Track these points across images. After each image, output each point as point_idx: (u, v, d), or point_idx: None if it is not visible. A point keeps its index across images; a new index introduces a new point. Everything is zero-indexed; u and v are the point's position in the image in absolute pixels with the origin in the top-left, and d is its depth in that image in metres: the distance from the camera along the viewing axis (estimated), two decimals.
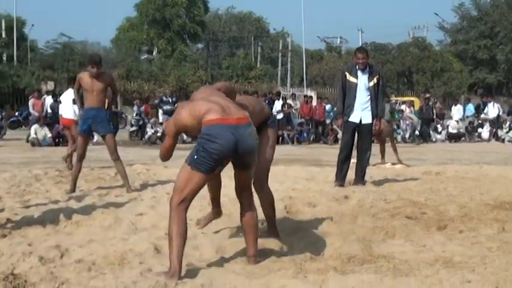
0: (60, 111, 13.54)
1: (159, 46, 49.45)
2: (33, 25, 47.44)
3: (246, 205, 4.74)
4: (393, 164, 12.89)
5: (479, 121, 27.09)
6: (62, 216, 6.43)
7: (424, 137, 25.04)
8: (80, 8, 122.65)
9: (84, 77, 8.65)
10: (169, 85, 32.76)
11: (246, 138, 4.43)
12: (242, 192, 4.75)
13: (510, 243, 5.29)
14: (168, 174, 10.81)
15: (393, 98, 31.60)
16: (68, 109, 12.78)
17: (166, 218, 6.30)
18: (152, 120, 22.48)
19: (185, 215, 4.45)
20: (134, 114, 23.31)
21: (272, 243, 5.18)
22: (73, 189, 8.58)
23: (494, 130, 26.22)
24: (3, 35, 42.90)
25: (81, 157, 8.70)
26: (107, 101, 9.10)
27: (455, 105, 29.14)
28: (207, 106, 4.52)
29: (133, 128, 22.84)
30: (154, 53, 50.04)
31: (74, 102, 11.49)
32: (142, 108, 23.66)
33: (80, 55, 44.32)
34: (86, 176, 10.09)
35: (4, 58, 41.58)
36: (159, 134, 21.46)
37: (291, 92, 35.18)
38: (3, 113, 26.87)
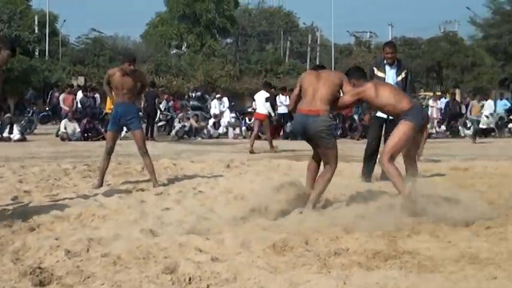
0: (254, 107, 17.71)
1: (189, 41, 49.62)
2: (65, 20, 47.89)
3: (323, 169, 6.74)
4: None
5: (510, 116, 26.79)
6: (89, 211, 6.48)
7: (452, 132, 24.91)
8: (111, 3, 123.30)
9: (115, 74, 8.68)
10: (198, 80, 32.80)
11: (309, 125, 6.45)
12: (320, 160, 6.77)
13: None
14: (195, 168, 10.88)
15: (422, 93, 31.31)
16: (261, 106, 16.31)
17: (193, 213, 6.42)
18: (180, 115, 22.58)
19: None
20: (163, 109, 23.38)
21: (296, 239, 5.17)
22: (100, 184, 8.66)
23: None
24: (36, 30, 43.37)
25: (109, 152, 8.76)
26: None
27: (486, 100, 28.79)
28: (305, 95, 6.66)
29: (161, 123, 22.94)
30: (183, 47, 50.23)
31: (266, 100, 16.16)
32: (171, 103, 23.75)
33: (110, 50, 44.67)
34: (113, 171, 10.18)
35: (36, 53, 42.02)
36: (186, 129, 21.58)
37: None
38: (34, 108, 27.20)
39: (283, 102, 23.15)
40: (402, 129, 6.57)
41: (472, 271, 4.26)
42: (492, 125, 25.27)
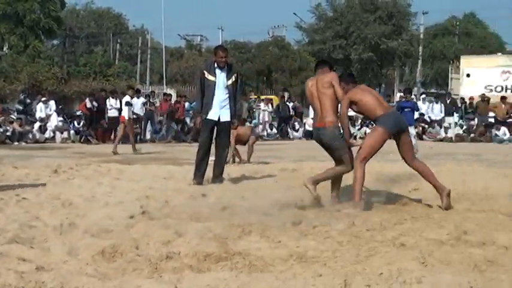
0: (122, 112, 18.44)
1: (11, 42, 47.28)
2: None
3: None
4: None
5: None
6: None
7: (282, 135, 25.75)
8: None
9: None
10: (22, 82, 31.31)
11: (320, 136, 7.43)
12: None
13: (359, 237, 5.49)
14: (18, 174, 10.38)
15: (253, 96, 32.02)
16: (124, 110, 17.75)
17: (16, 221, 6.07)
18: (1, 118, 21.49)
19: None
20: None
21: (127, 244, 5.05)
22: None
23: None
24: None
25: None
26: None
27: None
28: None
29: None
30: (5, 48, 47.79)
31: (127, 104, 17.62)
32: None
33: None
34: None
35: None
36: (8, 133, 20.60)
37: (150, 90, 34.82)
38: None
39: (113, 105, 22.75)
40: (373, 134, 7.29)
41: (300, 269, 4.38)
42: None
